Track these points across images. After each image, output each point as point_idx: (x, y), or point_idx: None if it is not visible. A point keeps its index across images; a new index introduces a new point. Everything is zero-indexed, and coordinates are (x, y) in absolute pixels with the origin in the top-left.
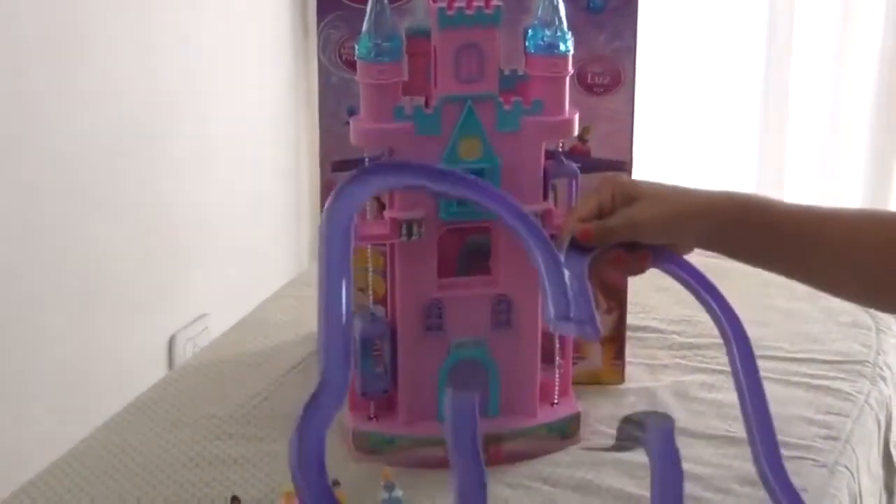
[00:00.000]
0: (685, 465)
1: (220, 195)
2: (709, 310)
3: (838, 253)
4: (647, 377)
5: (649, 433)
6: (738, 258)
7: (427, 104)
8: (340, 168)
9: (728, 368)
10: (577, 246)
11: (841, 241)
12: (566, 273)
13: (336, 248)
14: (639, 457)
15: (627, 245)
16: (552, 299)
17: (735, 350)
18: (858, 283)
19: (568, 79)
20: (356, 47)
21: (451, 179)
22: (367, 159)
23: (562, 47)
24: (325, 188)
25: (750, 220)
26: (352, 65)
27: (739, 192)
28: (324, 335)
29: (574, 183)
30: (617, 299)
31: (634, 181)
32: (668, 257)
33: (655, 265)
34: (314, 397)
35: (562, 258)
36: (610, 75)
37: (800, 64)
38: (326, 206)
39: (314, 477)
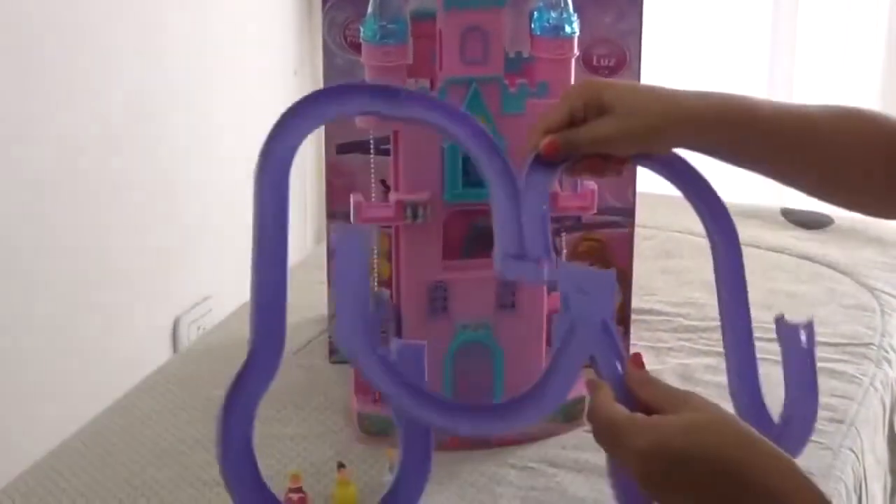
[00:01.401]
0: None
1: (223, 177)
2: (695, 207)
3: (833, 152)
4: (652, 360)
5: None
6: (717, 157)
7: (432, 87)
8: (345, 150)
9: None
10: (543, 161)
11: (839, 141)
12: (527, 200)
13: (270, 194)
14: None
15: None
16: (503, 236)
17: (721, 248)
18: (863, 187)
19: (573, 61)
20: (361, 29)
21: (401, 99)
22: (371, 140)
23: (567, 29)
24: (330, 170)
25: (728, 118)
26: (357, 47)
27: (714, 92)
28: (254, 302)
29: None
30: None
31: (609, 84)
32: (647, 156)
33: (636, 163)
34: (239, 377)
35: (524, 176)
36: (615, 57)
37: (805, 43)
38: (265, 142)
39: (242, 464)
